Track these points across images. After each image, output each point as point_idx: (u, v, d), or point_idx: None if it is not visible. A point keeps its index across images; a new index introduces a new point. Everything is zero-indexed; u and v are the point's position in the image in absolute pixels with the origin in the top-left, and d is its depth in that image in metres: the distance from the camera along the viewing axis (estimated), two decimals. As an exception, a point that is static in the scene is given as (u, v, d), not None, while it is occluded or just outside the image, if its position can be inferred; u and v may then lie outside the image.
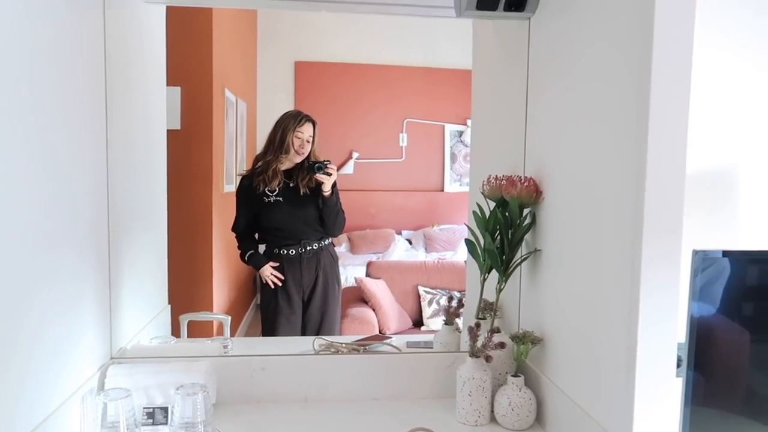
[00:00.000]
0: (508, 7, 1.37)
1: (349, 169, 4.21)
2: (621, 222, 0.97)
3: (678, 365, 1.15)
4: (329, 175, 2.33)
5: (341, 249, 3.85)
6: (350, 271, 3.26)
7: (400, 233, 4.11)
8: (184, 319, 1.76)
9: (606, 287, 1.02)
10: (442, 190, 4.33)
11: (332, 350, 1.50)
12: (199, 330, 2.22)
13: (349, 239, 3.93)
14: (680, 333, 1.10)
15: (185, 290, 2.65)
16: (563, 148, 1.21)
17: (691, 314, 1.14)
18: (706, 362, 1.33)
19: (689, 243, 1.17)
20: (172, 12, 2.08)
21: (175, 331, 1.76)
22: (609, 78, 1.02)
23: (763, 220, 1.37)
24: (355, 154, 4.23)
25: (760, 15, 1.32)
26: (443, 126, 4.29)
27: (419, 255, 3.81)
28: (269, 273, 2.35)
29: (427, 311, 2.91)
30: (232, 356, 1.39)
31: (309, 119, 2.39)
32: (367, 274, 3.11)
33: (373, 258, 3.60)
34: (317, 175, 2.31)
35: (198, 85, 2.92)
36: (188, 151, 2.83)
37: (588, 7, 1.11)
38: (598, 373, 1.04)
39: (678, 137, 0.90)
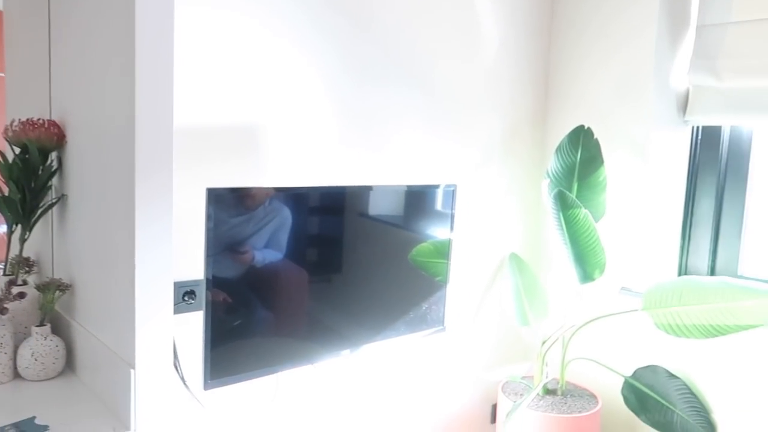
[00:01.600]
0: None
1: None
2: (123, 165, 1.04)
3: (190, 298, 1.30)
4: None
5: None
6: None
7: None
8: None
9: (115, 226, 1.08)
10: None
11: None
12: None
13: None
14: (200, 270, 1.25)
15: None
16: (83, 93, 1.21)
17: (208, 250, 1.31)
18: (274, 298, 1.55)
19: (220, 183, 1.32)
20: None
21: None
22: (110, 28, 1.06)
23: (286, 164, 1.64)
24: None
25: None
26: None
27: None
28: None
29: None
30: None
31: None
32: None
33: None
34: None
35: None
36: None
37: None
38: (116, 308, 1.11)
39: (164, 91, 1.01)
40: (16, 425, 1.01)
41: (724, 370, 2.01)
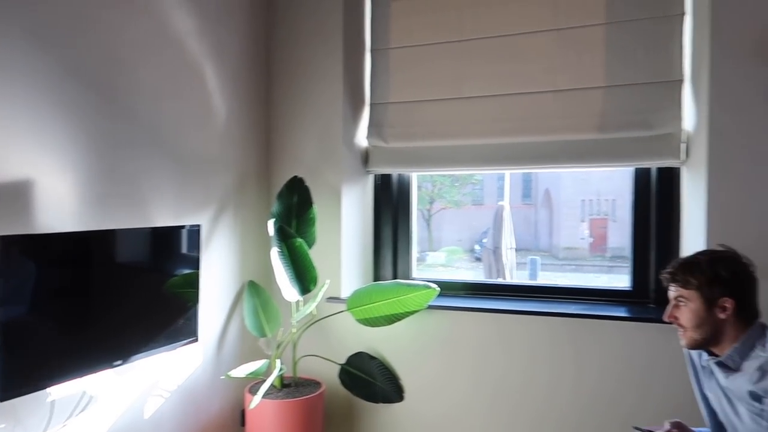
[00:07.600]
0: None
1: None
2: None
3: None
4: None
5: None
6: None
7: None
8: None
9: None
10: None
11: None
12: None
13: None
14: None
15: None
16: None
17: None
18: (21, 347, 1.92)
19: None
20: None
21: None
22: None
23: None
24: None
25: None
26: None
27: None
28: None
29: None
30: None
31: None
32: None
33: None
34: None
35: None
36: None
37: None
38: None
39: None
40: None
41: (403, 345, 2.97)
